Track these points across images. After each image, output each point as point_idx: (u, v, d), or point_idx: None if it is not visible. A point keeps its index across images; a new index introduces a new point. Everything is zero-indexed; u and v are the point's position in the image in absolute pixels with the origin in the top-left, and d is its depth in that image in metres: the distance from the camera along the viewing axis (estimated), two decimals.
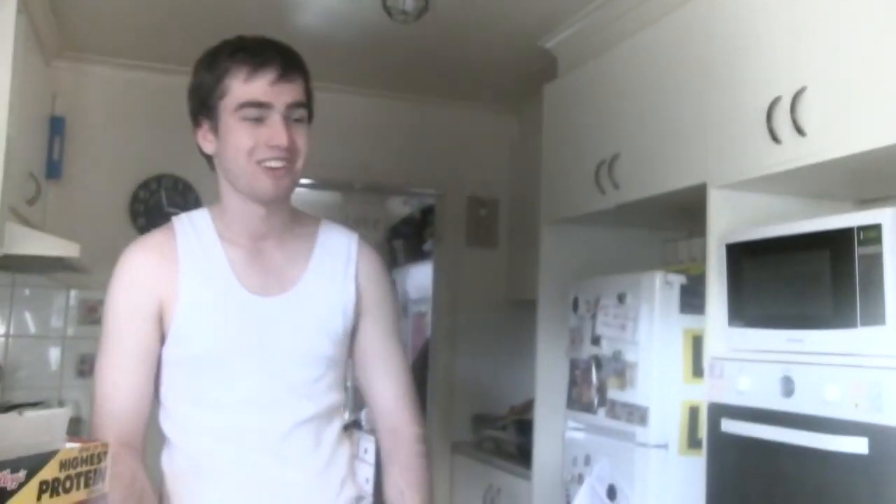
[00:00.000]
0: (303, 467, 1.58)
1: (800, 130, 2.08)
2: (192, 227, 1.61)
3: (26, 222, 3.15)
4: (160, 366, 1.57)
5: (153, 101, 4.16)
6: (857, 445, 1.82)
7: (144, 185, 4.18)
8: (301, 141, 1.53)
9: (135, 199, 4.16)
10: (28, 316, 4.00)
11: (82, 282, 3.93)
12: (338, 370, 1.66)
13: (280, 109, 1.51)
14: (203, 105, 1.55)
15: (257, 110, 1.50)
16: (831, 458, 1.88)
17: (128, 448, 1.50)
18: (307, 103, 1.56)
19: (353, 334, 1.69)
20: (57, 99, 3.95)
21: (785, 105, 2.12)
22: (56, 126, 3.92)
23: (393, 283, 1.80)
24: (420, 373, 4.52)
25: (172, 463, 1.59)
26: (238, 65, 1.51)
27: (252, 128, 1.50)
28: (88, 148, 4.05)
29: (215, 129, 1.54)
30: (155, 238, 1.61)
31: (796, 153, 2.10)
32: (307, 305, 1.61)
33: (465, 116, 4.69)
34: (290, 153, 1.52)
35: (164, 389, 1.59)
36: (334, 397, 1.65)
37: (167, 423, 1.59)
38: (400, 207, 6.18)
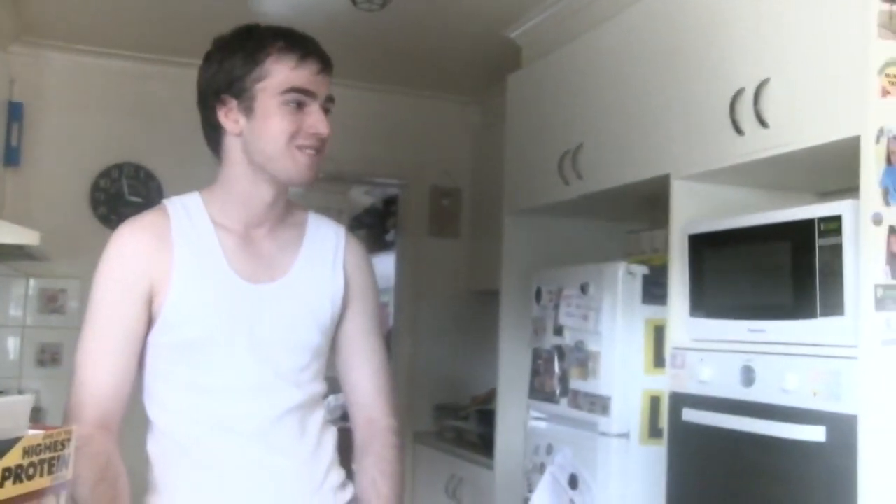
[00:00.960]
0: (290, 454, 1.58)
1: (762, 122, 2.10)
2: (184, 210, 1.60)
3: None
4: (147, 350, 1.56)
5: (115, 87, 4.12)
6: (815, 434, 1.86)
7: (105, 173, 4.13)
8: (331, 133, 1.57)
9: (95, 187, 4.11)
10: None
11: (42, 270, 3.88)
12: (322, 359, 1.67)
13: (321, 99, 1.57)
14: (232, 85, 1.54)
15: (301, 97, 1.54)
16: (790, 447, 1.92)
17: (104, 430, 1.49)
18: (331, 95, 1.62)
19: (337, 324, 1.70)
20: (15, 84, 3.88)
21: (748, 97, 2.15)
22: (14, 112, 3.86)
23: (376, 277, 1.81)
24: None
25: (159, 448, 1.58)
26: (286, 52, 1.54)
27: (293, 113, 1.54)
28: (48, 135, 4.00)
29: (247, 110, 1.54)
30: (148, 218, 1.60)
31: (759, 144, 2.13)
32: (297, 294, 1.62)
33: (429, 106, 4.69)
34: (323, 142, 1.56)
35: (150, 374, 1.58)
36: (319, 386, 1.66)
37: (153, 408, 1.58)
38: (362, 197, 6.17)
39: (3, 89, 3.74)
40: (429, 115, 4.69)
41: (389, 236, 5.51)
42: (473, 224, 4.70)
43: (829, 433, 1.84)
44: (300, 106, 1.54)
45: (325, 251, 1.69)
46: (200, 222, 1.59)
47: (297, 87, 1.54)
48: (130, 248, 1.55)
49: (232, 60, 1.56)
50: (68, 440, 1.11)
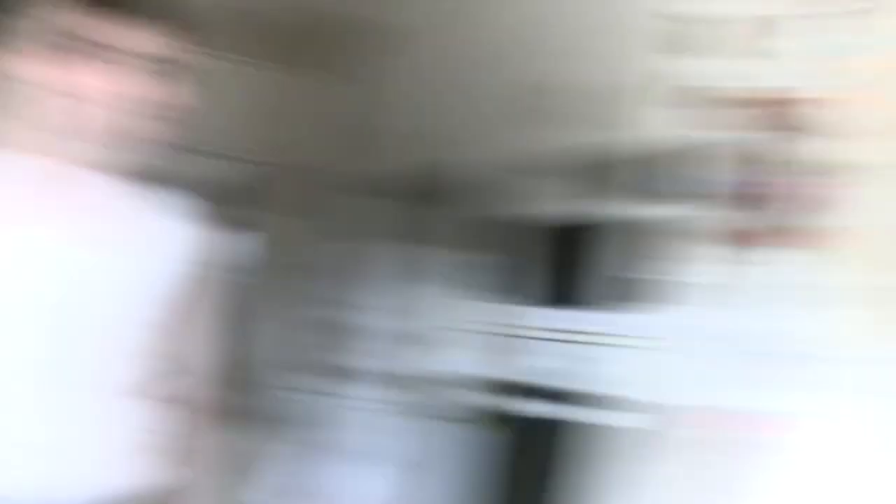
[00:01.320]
0: (112, 437, 1.51)
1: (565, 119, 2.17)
2: None
3: None
4: None
5: None
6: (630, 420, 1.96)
7: None
8: (161, 95, 1.44)
9: None
10: None
11: None
12: (157, 338, 1.57)
13: (147, 59, 1.42)
14: (22, 28, 1.39)
15: (91, 48, 1.38)
16: (605, 432, 2.01)
17: None
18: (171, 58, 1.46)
19: (168, 301, 1.58)
20: None
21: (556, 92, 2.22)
22: None
23: (215, 253, 1.70)
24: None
25: None
26: (109, 8, 1.38)
27: (85, 66, 1.37)
28: None
29: (37, 57, 1.38)
30: None
31: (563, 138, 2.20)
32: (123, 260, 1.50)
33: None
34: (152, 106, 1.43)
35: None
36: (150, 365, 1.56)
37: None
38: (219, 172, 6.03)
39: None
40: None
41: (242, 213, 5.40)
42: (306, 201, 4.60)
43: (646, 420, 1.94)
44: (94, 59, 1.38)
45: (162, 222, 1.58)
46: (9, 173, 1.44)
47: (120, 45, 1.38)
48: None
49: (44, 10, 1.39)
50: None
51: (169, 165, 1.66)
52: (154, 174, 1.60)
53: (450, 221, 3.08)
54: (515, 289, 2.41)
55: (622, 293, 2.06)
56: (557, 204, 2.22)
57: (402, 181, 2.98)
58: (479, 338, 2.65)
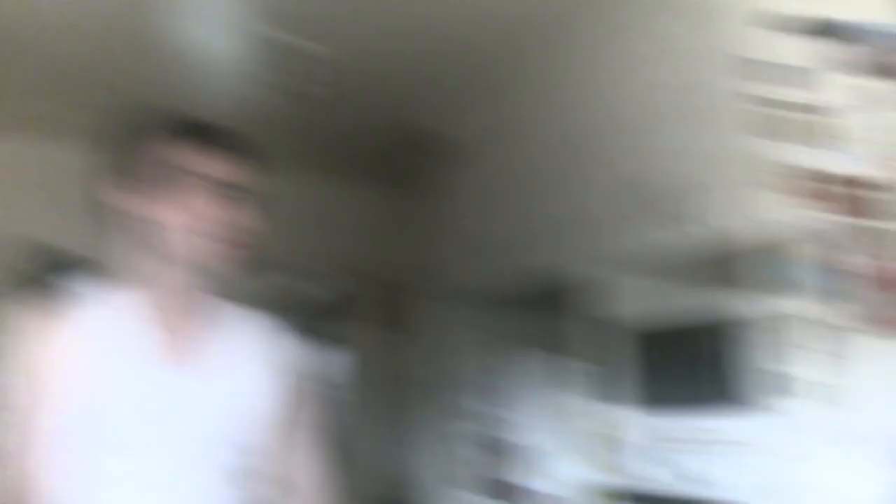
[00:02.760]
0: None
1: (685, 219, 2.14)
2: (99, 295, 1.54)
3: None
4: (56, 440, 1.46)
5: (24, 169, 4.11)
6: None
7: (21, 254, 4.05)
8: (240, 221, 1.51)
9: (11, 269, 4.03)
10: None
11: None
12: (248, 455, 1.58)
13: (229, 187, 1.50)
14: (139, 172, 1.49)
15: (208, 184, 1.48)
16: None
17: None
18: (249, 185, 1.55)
19: (270, 422, 1.63)
20: None
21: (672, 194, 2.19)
22: None
23: (311, 369, 1.75)
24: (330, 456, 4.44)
25: None
26: (188, 140, 1.50)
27: (199, 201, 1.47)
28: None
29: (149, 193, 1.48)
30: (55, 304, 1.53)
31: (682, 240, 2.17)
32: (222, 384, 1.54)
33: (348, 196, 4.74)
34: (233, 232, 1.51)
35: (65, 468, 1.46)
36: (244, 481, 1.57)
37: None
38: (306, 288, 6.12)
39: None
40: (364, 209, 4.74)
41: (331, 328, 5.46)
42: (413, 316, 4.68)
43: None
44: (208, 193, 1.49)
45: (256, 345, 1.62)
46: (116, 308, 1.53)
47: (199, 173, 1.49)
48: (40, 337, 1.48)
49: (128, 145, 1.52)
50: None
51: (262, 286, 1.71)
52: (248, 296, 1.64)
53: (571, 328, 3.05)
54: (626, 394, 2.35)
55: (741, 393, 1.97)
56: (669, 304, 2.15)
57: (522, 290, 2.96)
58: (597, 444, 2.59)
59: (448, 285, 3.47)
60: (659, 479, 2.15)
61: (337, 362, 5.31)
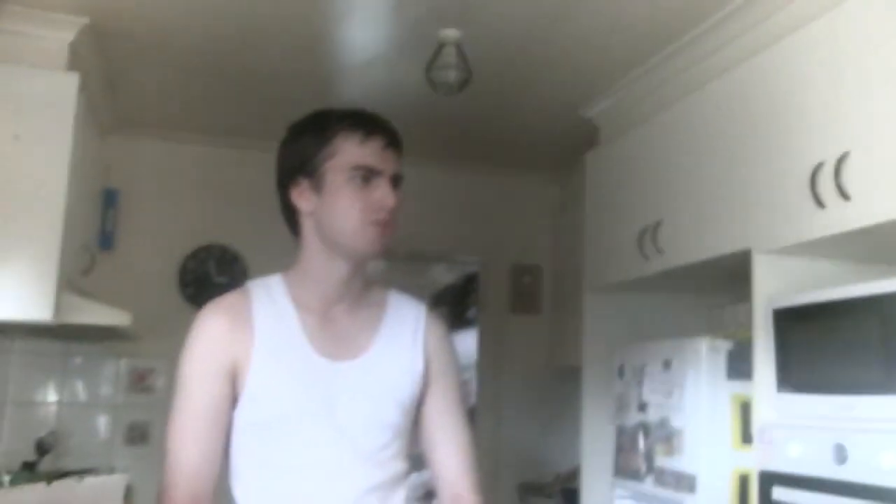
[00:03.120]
0: None
1: (844, 195, 2.08)
2: (265, 290, 1.64)
3: (80, 292, 3.22)
4: (231, 429, 1.58)
5: (202, 172, 4.28)
6: None
7: (193, 254, 4.26)
8: (399, 206, 1.60)
9: (184, 269, 4.24)
10: (79, 384, 4.07)
11: (132, 350, 4.00)
12: (404, 439, 1.66)
13: (388, 174, 1.60)
14: (304, 165, 1.60)
15: (368, 173, 1.58)
16: None
17: None
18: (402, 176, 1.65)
19: (419, 403, 1.70)
20: (110, 172, 4.06)
21: (828, 170, 2.13)
22: (109, 198, 4.03)
23: (457, 354, 1.81)
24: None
25: None
26: (352, 129, 1.59)
27: (361, 189, 1.58)
28: (139, 219, 4.16)
29: (318, 189, 1.59)
30: (230, 300, 1.63)
31: (841, 218, 2.10)
32: (377, 372, 1.63)
33: (508, 184, 4.75)
34: (392, 215, 1.60)
35: (233, 453, 1.59)
36: (400, 465, 1.65)
37: (237, 488, 1.60)
38: (444, 275, 6.20)
39: (100, 177, 3.91)
40: (508, 194, 4.74)
41: (470, 314, 5.51)
42: (554, 301, 4.70)
43: None
44: (367, 181, 1.58)
45: (404, 329, 1.70)
46: (280, 302, 1.63)
47: (364, 164, 1.57)
48: (212, 328, 1.59)
49: (303, 141, 1.61)
50: None
51: (394, 271, 1.78)
52: (395, 281, 1.71)
53: (718, 308, 3.03)
54: (768, 374, 2.31)
55: (886, 374, 1.91)
56: (851, 286, 2.10)
57: (687, 275, 2.96)
58: (744, 424, 2.57)
59: (593, 271, 3.47)
60: (801, 459, 2.11)
61: (465, 345, 5.38)
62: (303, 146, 1.61)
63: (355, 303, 1.67)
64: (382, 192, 1.58)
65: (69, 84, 2.87)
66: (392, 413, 1.63)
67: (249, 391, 1.56)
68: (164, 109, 3.97)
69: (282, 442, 1.57)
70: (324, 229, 1.61)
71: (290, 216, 1.66)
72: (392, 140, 1.62)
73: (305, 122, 1.66)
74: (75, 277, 3.19)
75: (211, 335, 1.59)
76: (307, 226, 1.63)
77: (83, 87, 2.94)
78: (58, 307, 2.79)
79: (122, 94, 3.72)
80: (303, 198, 1.62)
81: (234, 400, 1.58)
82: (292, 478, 1.56)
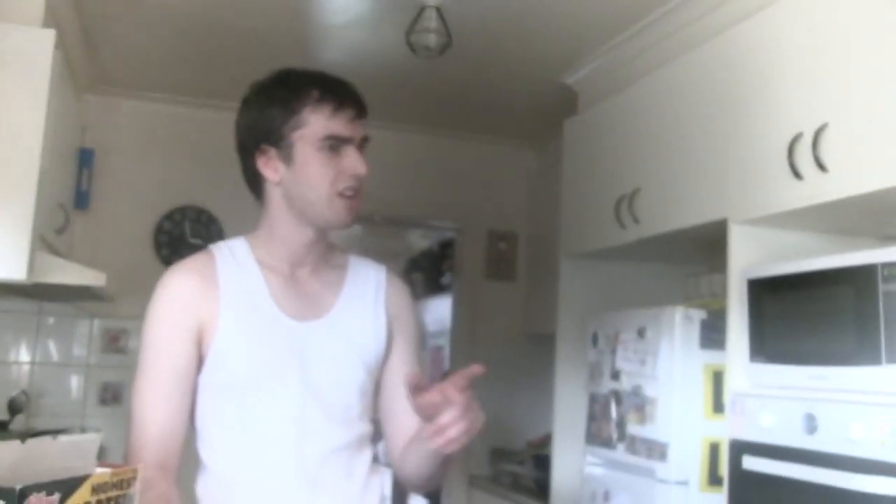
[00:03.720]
0: (336, 496, 1.58)
1: (821, 166, 2.09)
2: (230, 252, 1.64)
3: (54, 251, 3.19)
4: (197, 391, 1.59)
5: (179, 133, 4.24)
6: (885, 486, 1.80)
7: (168, 216, 4.23)
8: (367, 173, 1.61)
9: (159, 229, 4.21)
10: (52, 344, 4.04)
11: (106, 311, 3.97)
12: (368, 399, 1.68)
13: (356, 142, 1.60)
14: (271, 134, 1.59)
15: (337, 143, 1.58)
16: (857, 499, 1.86)
17: (163, 470, 1.51)
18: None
19: (381, 364, 1.71)
20: (86, 131, 4.01)
21: (806, 141, 2.14)
22: (85, 158, 3.98)
23: (418, 316, 1.82)
24: None
25: (207, 489, 1.59)
26: (322, 101, 1.58)
27: (330, 159, 1.57)
28: (115, 179, 4.11)
29: (286, 159, 1.58)
30: (195, 262, 1.63)
31: (818, 189, 2.11)
32: (342, 331, 1.64)
33: (485, 150, 4.73)
34: (361, 183, 1.60)
35: (200, 415, 1.60)
36: (365, 426, 1.66)
37: (204, 450, 1.60)
38: (419, 240, 6.21)
39: (76, 136, 3.86)
40: (485, 160, 4.73)
41: (445, 279, 5.52)
42: (530, 268, 4.71)
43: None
44: (336, 150, 1.58)
45: (366, 290, 1.71)
46: (246, 263, 1.63)
47: (334, 135, 1.57)
48: (177, 289, 1.59)
49: (269, 111, 1.60)
50: (134, 478, 1.13)
51: (382, 236, 1.79)
52: (362, 245, 1.72)
53: (693, 277, 3.04)
54: (741, 343, 2.33)
55: (866, 343, 1.93)
56: (826, 257, 2.11)
57: (662, 244, 2.97)
58: (715, 393, 2.59)
59: (569, 239, 3.47)
60: (772, 429, 2.14)
61: (440, 311, 5.38)
62: (269, 115, 1.60)
63: (319, 264, 1.68)
64: (353, 160, 1.58)
65: (45, 40, 2.82)
66: (357, 371, 1.64)
67: (216, 352, 1.56)
68: (142, 69, 3.92)
69: (249, 402, 1.57)
70: (293, 198, 1.60)
71: (254, 180, 1.66)
72: (361, 110, 1.62)
73: (269, 87, 1.64)
74: (50, 237, 3.16)
75: (176, 296, 1.58)
76: (274, 193, 1.63)
77: (59, 44, 2.89)
78: (31, 266, 2.76)
79: (99, 52, 3.67)
80: (270, 167, 1.61)
81: (199, 361, 1.58)
82: (260, 438, 1.57)
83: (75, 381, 4.05)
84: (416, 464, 1.67)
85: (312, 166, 1.57)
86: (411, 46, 3.06)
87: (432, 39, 3.02)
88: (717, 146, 2.54)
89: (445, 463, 1.66)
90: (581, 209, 3.38)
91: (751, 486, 2.20)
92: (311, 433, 1.58)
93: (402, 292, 1.78)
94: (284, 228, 1.63)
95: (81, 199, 3.97)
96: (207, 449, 1.61)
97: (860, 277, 1.96)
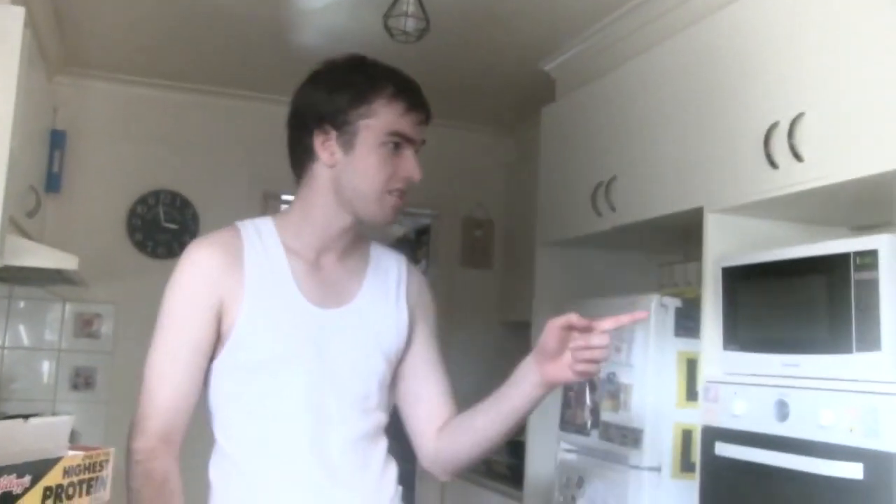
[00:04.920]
0: (353, 485, 1.57)
1: (797, 156, 2.10)
2: (256, 232, 1.61)
3: (25, 234, 3.16)
4: (214, 372, 1.56)
5: (153, 117, 4.19)
6: (852, 471, 1.82)
7: (142, 200, 4.20)
8: (419, 175, 1.63)
9: (132, 213, 4.18)
10: (23, 328, 4.01)
11: (78, 295, 3.94)
12: (385, 390, 1.66)
13: (417, 146, 1.62)
14: (337, 117, 1.57)
15: (400, 141, 1.58)
16: (826, 483, 1.88)
17: (166, 444, 1.49)
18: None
19: (402, 354, 1.70)
20: (58, 113, 3.96)
21: (783, 130, 2.15)
22: (56, 140, 3.94)
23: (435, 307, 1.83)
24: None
25: (220, 471, 1.57)
26: (396, 97, 1.59)
27: (390, 156, 1.57)
28: (88, 162, 4.07)
29: (347, 145, 1.56)
30: (222, 237, 1.60)
31: (794, 178, 2.13)
32: (364, 320, 1.62)
33: (462, 137, 4.72)
34: (411, 185, 1.62)
35: (217, 396, 1.57)
36: (383, 417, 1.65)
37: (218, 431, 1.58)
38: (394, 227, 6.19)
39: (47, 118, 3.81)
40: (462, 147, 4.72)
41: (421, 266, 5.52)
42: (506, 255, 4.71)
43: (866, 470, 1.80)
44: (398, 148, 1.58)
45: (388, 280, 1.70)
46: (272, 246, 1.60)
47: (401, 133, 1.57)
48: (203, 263, 1.55)
49: (341, 92, 1.57)
50: (106, 461, 1.13)
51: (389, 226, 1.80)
52: (379, 235, 1.72)
53: (667, 266, 3.05)
54: (715, 331, 2.35)
55: (836, 332, 1.95)
56: (800, 247, 2.13)
57: (638, 232, 2.97)
58: (685, 379, 2.61)
59: (545, 226, 3.48)
60: (745, 416, 2.15)
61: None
62: (340, 97, 1.57)
63: (344, 252, 1.66)
64: (411, 164, 1.59)
65: (14, 18, 2.77)
66: (377, 362, 1.63)
67: (236, 332, 1.53)
68: (116, 50, 3.87)
69: (266, 387, 1.55)
70: (342, 185, 1.58)
71: (301, 157, 1.62)
72: (428, 116, 1.63)
73: (345, 70, 1.63)
74: (20, 219, 3.12)
75: (200, 269, 1.55)
76: (322, 175, 1.60)
77: (29, 23, 2.85)
78: (1, 249, 2.73)
79: (71, 32, 3.62)
80: (327, 148, 1.58)
81: (216, 339, 1.55)
82: (278, 425, 1.55)
83: (47, 366, 4.01)
84: (484, 431, 1.68)
85: (372, 159, 1.56)
86: (389, 31, 3.04)
87: (410, 24, 3.00)
88: (693, 135, 2.55)
89: (525, 416, 1.69)
90: (557, 197, 3.38)
91: (723, 472, 2.22)
92: (329, 421, 1.56)
93: (421, 282, 1.79)
94: (322, 212, 1.60)
95: (53, 182, 3.92)
96: (221, 431, 1.58)
97: (833, 266, 1.97)
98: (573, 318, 1.50)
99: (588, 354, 1.50)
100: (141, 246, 4.12)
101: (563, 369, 1.54)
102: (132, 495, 1.45)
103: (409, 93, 1.60)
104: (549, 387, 1.59)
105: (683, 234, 2.87)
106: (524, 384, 1.60)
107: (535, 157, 3.63)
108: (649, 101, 2.81)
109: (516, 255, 4.41)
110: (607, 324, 1.52)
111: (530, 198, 3.68)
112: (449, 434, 1.71)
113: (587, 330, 1.51)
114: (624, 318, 1.51)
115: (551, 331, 1.52)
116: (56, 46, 3.69)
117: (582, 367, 1.51)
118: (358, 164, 1.56)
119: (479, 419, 1.67)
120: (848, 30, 2.04)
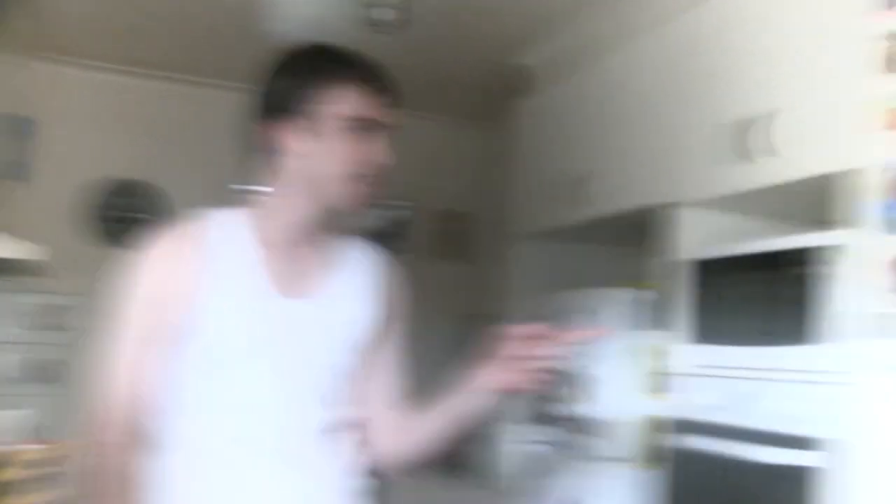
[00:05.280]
0: (318, 478, 1.56)
1: (771, 151, 2.12)
2: (225, 222, 1.58)
3: None
4: (174, 362, 1.53)
5: (124, 105, 4.16)
6: (816, 460, 1.86)
7: (112, 190, 4.15)
8: (386, 159, 1.58)
9: (104, 204, 4.13)
10: None
11: (44, 286, 3.89)
12: (352, 383, 1.65)
13: (386, 130, 1.58)
14: (301, 105, 1.53)
15: (367, 125, 1.54)
16: (790, 472, 1.91)
17: (126, 439, 1.48)
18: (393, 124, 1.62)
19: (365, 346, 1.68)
20: (26, 99, 3.91)
21: (758, 125, 2.16)
22: (24, 127, 3.89)
23: (404, 294, 1.81)
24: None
25: (181, 463, 1.54)
26: (359, 81, 1.55)
27: (358, 140, 1.53)
28: (57, 151, 4.02)
29: (314, 132, 1.53)
30: (184, 227, 1.57)
31: (766, 172, 2.15)
32: (331, 312, 1.60)
33: (438, 129, 4.71)
34: (381, 170, 1.57)
35: (179, 388, 1.54)
36: (348, 410, 1.64)
37: (181, 424, 1.54)
38: (370, 219, 6.17)
39: (15, 104, 3.76)
40: (438, 139, 4.71)
41: (396, 259, 5.51)
42: (482, 247, 4.71)
43: (825, 459, 1.84)
44: (367, 132, 1.54)
45: (363, 274, 1.68)
46: (240, 235, 1.57)
47: (367, 117, 1.54)
48: (163, 254, 1.53)
49: (304, 81, 1.54)
50: (68, 455, 1.12)
51: (364, 218, 1.77)
52: (352, 227, 1.70)
53: (636, 260, 3.07)
54: (683, 324, 2.36)
55: (799, 324, 1.97)
56: (765, 240, 2.15)
57: (612, 226, 2.98)
58: (651, 372, 2.62)
59: (520, 219, 3.49)
60: (710, 407, 2.18)
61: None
62: (303, 85, 1.54)
63: (317, 244, 1.63)
64: (380, 148, 1.56)
65: None
66: (343, 354, 1.61)
67: (197, 323, 1.51)
68: (87, 36, 3.83)
69: (230, 378, 1.52)
70: (311, 173, 1.54)
71: (267, 147, 1.58)
72: (395, 97, 1.60)
73: (306, 57, 1.59)
74: None
75: (160, 260, 1.53)
76: (290, 165, 1.56)
77: None
78: None
79: (41, 17, 3.57)
80: (296, 138, 1.54)
81: (178, 331, 1.52)
82: (240, 416, 1.53)
83: (12, 359, 3.96)
84: (430, 434, 1.70)
85: (339, 145, 1.53)
86: (369, 20, 3.02)
87: (390, 14, 2.98)
88: (668, 129, 2.56)
89: (473, 421, 1.68)
90: (533, 190, 3.39)
91: (689, 463, 2.24)
92: (293, 413, 1.55)
93: (395, 276, 1.76)
94: (291, 203, 1.57)
95: (21, 170, 3.87)
96: (181, 422, 1.54)
97: (794, 261, 2.00)
98: (530, 328, 1.50)
99: (530, 365, 1.53)
100: (112, 237, 4.08)
101: (511, 377, 1.57)
102: (92, 489, 1.44)
103: (372, 76, 1.57)
104: (497, 393, 1.61)
105: (656, 227, 2.89)
106: (472, 389, 1.64)
107: (513, 150, 3.63)
108: (626, 95, 2.82)
109: (492, 247, 4.41)
110: (571, 336, 1.52)
111: (507, 190, 3.68)
112: (395, 433, 1.72)
113: (544, 338, 1.51)
114: (589, 333, 1.53)
115: (507, 338, 1.52)
116: (23, 31, 3.64)
117: (524, 376, 1.54)
118: (325, 150, 1.53)
119: (427, 422, 1.69)
120: (822, 26, 2.06)
